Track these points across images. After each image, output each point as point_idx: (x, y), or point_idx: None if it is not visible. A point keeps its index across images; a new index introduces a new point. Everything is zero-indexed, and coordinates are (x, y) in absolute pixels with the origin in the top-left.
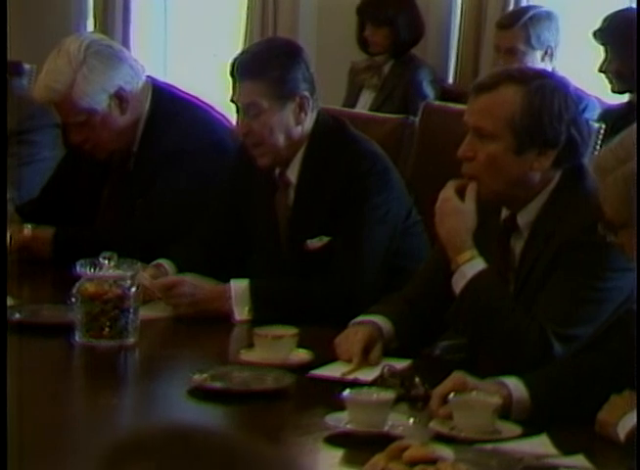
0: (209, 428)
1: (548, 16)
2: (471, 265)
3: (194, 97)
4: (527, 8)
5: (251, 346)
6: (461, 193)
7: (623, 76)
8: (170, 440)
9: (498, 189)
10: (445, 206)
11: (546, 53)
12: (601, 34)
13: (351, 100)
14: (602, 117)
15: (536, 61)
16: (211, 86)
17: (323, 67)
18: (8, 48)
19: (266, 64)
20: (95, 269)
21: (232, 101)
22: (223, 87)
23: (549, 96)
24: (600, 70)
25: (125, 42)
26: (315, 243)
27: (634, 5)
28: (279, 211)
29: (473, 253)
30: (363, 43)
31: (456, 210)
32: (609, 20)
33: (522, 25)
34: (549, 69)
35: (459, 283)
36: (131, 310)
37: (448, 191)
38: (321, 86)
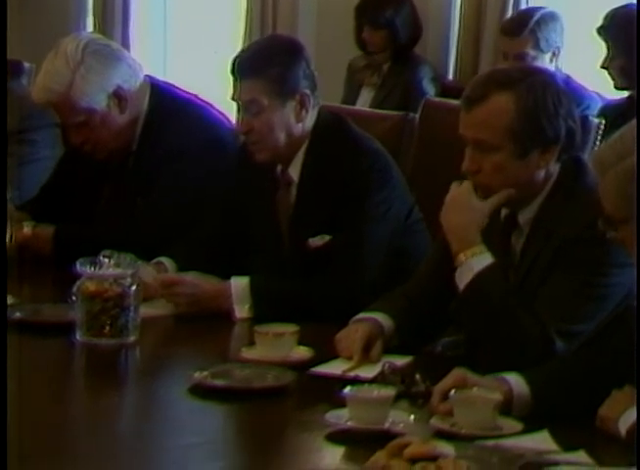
0: None
1: (553, 17)
2: (479, 259)
3: (193, 95)
4: (532, 11)
5: (251, 343)
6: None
7: (627, 73)
8: None
9: None
10: (458, 199)
11: (554, 54)
12: (604, 31)
13: (350, 98)
14: (602, 113)
15: (545, 63)
16: (211, 84)
17: (322, 64)
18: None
19: (267, 62)
20: (95, 268)
21: (233, 99)
22: (223, 85)
23: (541, 94)
24: (602, 67)
25: (125, 41)
26: (317, 241)
27: (634, 0)
28: (280, 209)
29: (481, 247)
30: (361, 44)
31: (469, 205)
32: (610, 16)
33: (530, 31)
34: (553, 68)
35: (464, 277)
36: (132, 309)
37: (465, 186)
38: (320, 84)
